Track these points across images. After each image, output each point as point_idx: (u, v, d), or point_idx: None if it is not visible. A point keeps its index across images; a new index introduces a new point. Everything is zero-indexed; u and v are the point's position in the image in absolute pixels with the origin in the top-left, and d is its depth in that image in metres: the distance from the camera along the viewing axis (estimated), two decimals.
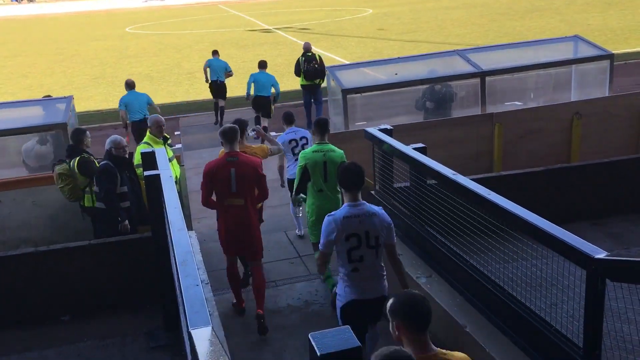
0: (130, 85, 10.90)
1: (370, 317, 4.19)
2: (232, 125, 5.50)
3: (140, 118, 10.53)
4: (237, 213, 5.31)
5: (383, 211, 4.13)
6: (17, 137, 8.22)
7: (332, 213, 4.09)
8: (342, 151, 5.81)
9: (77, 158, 6.38)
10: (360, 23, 33.38)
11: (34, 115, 8.58)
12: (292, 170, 6.86)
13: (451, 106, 9.48)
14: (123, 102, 10.69)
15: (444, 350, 2.56)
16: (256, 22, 37.88)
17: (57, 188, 6.47)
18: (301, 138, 7.13)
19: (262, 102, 12.17)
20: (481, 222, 4.18)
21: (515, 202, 3.93)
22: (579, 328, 3.33)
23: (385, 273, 4.18)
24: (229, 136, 5.28)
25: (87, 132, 6.69)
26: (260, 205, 6.17)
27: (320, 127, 5.80)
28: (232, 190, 5.26)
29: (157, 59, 25.61)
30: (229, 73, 13.42)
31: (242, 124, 6.25)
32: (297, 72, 12.36)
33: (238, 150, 5.39)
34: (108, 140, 6.33)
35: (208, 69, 13.39)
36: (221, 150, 5.79)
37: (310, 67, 12.03)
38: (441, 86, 9.40)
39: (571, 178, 6.84)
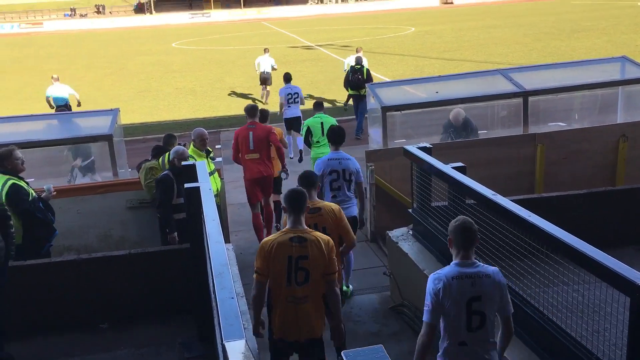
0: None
1: None
2: (252, 104, 8.24)
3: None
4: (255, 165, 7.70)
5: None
6: (64, 147, 8.49)
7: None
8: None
9: (167, 154, 6.84)
10: (402, 41, 33.40)
11: (81, 127, 8.85)
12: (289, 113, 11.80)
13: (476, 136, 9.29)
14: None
15: None
16: (298, 38, 38.31)
17: (145, 184, 6.88)
18: (295, 93, 11.85)
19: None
20: (521, 244, 4.10)
21: (557, 225, 3.84)
22: (622, 357, 3.22)
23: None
24: (250, 111, 7.89)
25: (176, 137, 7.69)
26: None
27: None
28: (250, 147, 7.65)
29: (201, 73, 26.13)
30: (274, 68, 17.98)
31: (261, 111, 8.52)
32: (345, 81, 13.73)
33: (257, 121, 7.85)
34: (172, 151, 6.63)
35: (259, 63, 18.07)
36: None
37: (354, 77, 13.26)
38: (461, 120, 9.07)
39: (616, 201, 6.65)
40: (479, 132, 9.19)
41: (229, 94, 20.63)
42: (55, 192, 6.23)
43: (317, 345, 4.25)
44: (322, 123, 8.75)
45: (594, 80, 9.83)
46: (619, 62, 10.43)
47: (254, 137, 7.71)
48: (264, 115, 8.66)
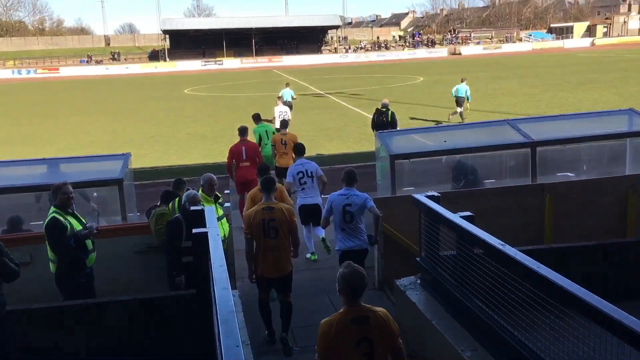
0: None
1: None
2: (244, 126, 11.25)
3: None
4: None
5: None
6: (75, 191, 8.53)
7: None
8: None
9: (177, 199, 7.00)
10: (410, 90, 33.84)
11: (93, 170, 8.94)
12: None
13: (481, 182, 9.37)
14: None
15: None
16: (309, 86, 38.92)
17: (155, 230, 6.94)
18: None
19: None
20: (530, 295, 4.05)
21: (566, 277, 3.80)
22: None
23: None
24: (242, 131, 11.05)
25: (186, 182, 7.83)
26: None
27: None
28: (243, 158, 10.24)
29: (212, 119, 26.48)
30: (293, 97, 22.27)
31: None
32: (372, 122, 15.21)
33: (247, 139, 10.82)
34: (185, 194, 6.72)
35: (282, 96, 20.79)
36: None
37: (379, 119, 14.89)
38: (463, 168, 9.20)
39: (627, 254, 6.58)
40: (486, 181, 9.22)
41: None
42: (97, 232, 6.40)
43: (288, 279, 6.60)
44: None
45: (601, 132, 9.86)
46: (626, 115, 10.49)
47: (245, 150, 10.82)
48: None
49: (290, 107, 21.06)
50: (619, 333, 3.20)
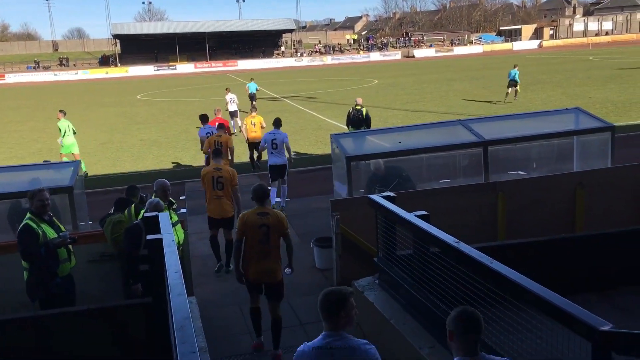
0: None
1: None
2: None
3: None
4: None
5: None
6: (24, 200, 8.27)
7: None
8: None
9: (132, 206, 6.87)
10: (365, 92, 34.11)
11: (42, 179, 8.66)
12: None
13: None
14: None
15: None
16: (264, 90, 38.77)
17: (111, 238, 6.79)
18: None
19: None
20: (485, 291, 4.13)
21: (519, 272, 3.89)
22: None
23: None
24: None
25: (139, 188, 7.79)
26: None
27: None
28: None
29: (166, 125, 26.09)
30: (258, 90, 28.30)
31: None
32: (347, 119, 15.95)
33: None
34: (147, 202, 6.59)
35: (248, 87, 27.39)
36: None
37: (355, 116, 15.65)
38: (383, 168, 9.20)
39: (576, 248, 6.78)
40: (440, 181, 9.35)
41: (194, 145, 20.59)
42: (70, 240, 6.21)
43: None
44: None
45: (550, 131, 10.18)
46: (573, 113, 10.85)
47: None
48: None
49: (254, 98, 26.64)
50: (569, 324, 3.29)
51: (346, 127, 16.48)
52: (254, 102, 25.64)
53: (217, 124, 13.77)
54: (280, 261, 6.44)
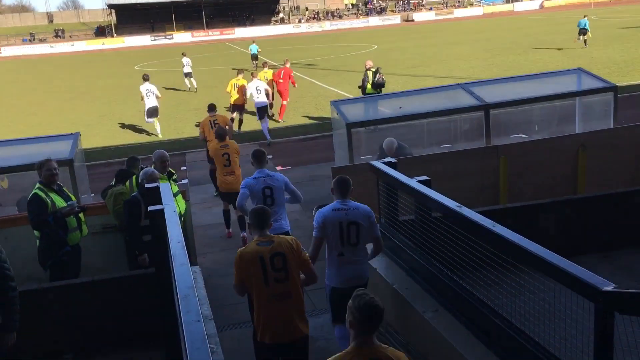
0: None
1: None
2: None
3: None
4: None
5: None
6: (23, 174, 8.25)
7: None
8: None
9: (134, 177, 6.86)
10: (365, 58, 33.72)
11: (41, 152, 8.62)
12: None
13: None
14: None
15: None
16: (263, 58, 38.38)
17: (114, 210, 6.79)
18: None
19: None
20: (488, 255, 4.13)
21: (521, 235, 3.88)
22: None
23: None
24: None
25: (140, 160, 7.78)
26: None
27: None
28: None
29: (164, 96, 25.87)
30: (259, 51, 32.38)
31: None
32: (364, 85, 14.93)
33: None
34: (141, 172, 6.55)
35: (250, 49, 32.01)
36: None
37: (380, 78, 14.75)
38: (394, 149, 8.62)
39: (578, 210, 6.78)
40: (442, 146, 9.31)
41: (194, 116, 20.48)
42: (78, 210, 6.32)
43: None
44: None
45: (552, 92, 10.06)
46: (575, 74, 10.73)
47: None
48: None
49: (257, 58, 31.87)
50: (571, 285, 3.29)
51: (360, 93, 15.26)
52: (256, 62, 31.13)
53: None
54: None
